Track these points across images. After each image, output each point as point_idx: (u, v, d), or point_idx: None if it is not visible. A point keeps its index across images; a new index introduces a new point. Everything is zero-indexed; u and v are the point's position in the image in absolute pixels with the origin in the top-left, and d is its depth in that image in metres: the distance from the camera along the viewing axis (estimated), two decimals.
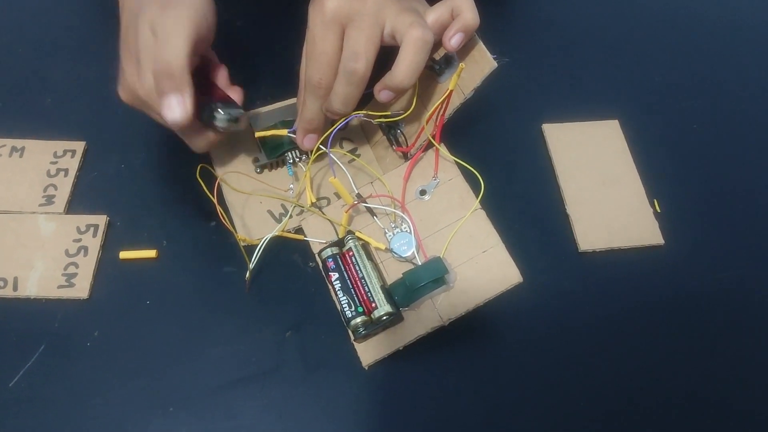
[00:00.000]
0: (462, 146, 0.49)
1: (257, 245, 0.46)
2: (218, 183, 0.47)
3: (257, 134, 0.51)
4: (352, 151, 0.52)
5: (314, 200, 0.49)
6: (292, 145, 0.51)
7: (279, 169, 0.52)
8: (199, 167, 0.48)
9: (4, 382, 0.43)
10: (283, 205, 0.50)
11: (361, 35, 0.43)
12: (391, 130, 0.51)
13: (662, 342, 0.48)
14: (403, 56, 0.43)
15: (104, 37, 0.59)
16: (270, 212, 0.50)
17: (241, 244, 0.47)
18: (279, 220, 0.49)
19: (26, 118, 0.54)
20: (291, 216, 0.49)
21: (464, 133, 0.50)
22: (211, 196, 0.46)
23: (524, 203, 0.53)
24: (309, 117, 0.47)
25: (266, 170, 0.52)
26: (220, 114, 0.45)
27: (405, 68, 0.43)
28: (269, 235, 0.46)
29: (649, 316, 0.48)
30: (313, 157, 0.49)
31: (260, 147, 0.51)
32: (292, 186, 0.51)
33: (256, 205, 0.50)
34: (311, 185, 0.50)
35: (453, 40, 0.45)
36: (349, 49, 0.43)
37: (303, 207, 0.49)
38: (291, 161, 0.51)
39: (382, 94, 0.46)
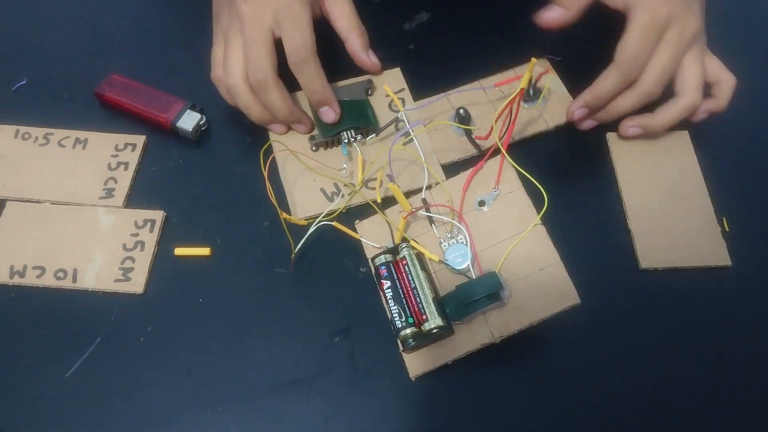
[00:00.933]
0: (522, 151, 0.48)
1: (302, 225, 0.47)
2: (270, 160, 0.48)
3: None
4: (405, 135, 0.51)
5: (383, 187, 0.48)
6: (349, 124, 0.51)
7: (334, 148, 0.52)
8: (264, 147, 0.48)
9: (62, 372, 0.44)
10: (336, 185, 0.50)
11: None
12: (463, 119, 0.51)
13: (723, 367, 0.46)
14: (674, 110, 0.49)
15: (168, 34, 0.60)
16: (323, 190, 0.50)
17: (284, 222, 0.46)
18: (331, 199, 0.50)
19: (91, 109, 0.55)
20: (343, 195, 0.49)
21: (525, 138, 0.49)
22: (263, 168, 0.46)
23: (584, 215, 0.51)
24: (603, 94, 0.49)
25: (321, 149, 0.52)
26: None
27: (668, 121, 0.50)
28: (320, 214, 0.47)
29: (712, 340, 0.46)
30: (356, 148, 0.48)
31: (317, 125, 0.52)
32: (345, 165, 0.51)
33: (309, 182, 0.50)
34: (363, 166, 0.50)
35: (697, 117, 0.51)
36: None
37: (354, 187, 0.49)
38: (346, 140, 0.51)
39: (630, 130, 0.51)
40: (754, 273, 0.49)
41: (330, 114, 0.50)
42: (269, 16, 0.47)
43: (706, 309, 0.47)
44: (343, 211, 0.49)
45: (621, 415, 0.44)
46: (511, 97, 0.44)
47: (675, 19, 0.47)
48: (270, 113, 0.50)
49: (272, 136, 0.52)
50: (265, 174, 0.46)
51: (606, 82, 0.48)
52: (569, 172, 0.53)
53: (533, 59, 0.44)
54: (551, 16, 0.50)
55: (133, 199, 0.50)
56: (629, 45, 0.47)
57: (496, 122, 0.45)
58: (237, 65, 0.48)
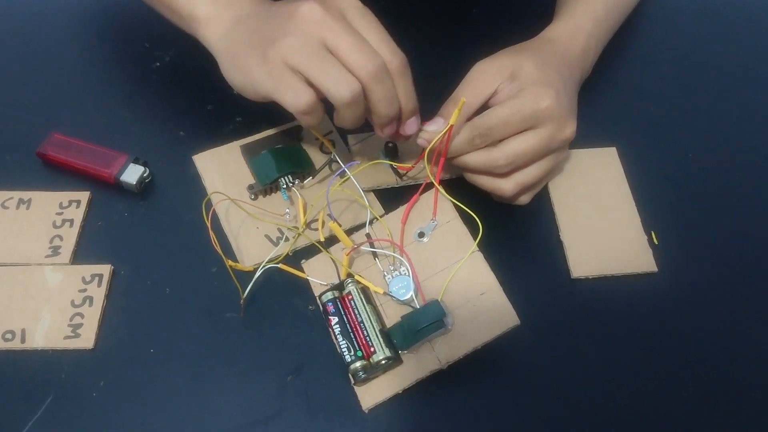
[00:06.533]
0: (455, 179, 0.50)
1: (248, 271, 0.48)
2: (212, 212, 0.49)
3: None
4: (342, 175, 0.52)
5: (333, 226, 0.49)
6: (284, 170, 0.52)
7: (272, 195, 0.54)
8: (205, 200, 0.49)
9: None
10: (279, 230, 0.52)
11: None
12: (390, 152, 0.53)
13: (652, 365, 0.48)
14: (536, 168, 0.49)
15: (107, 91, 0.61)
16: (267, 236, 0.51)
17: (230, 269, 0.48)
18: (276, 244, 0.51)
19: (34, 169, 0.55)
20: (287, 239, 0.51)
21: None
22: (206, 219, 0.47)
23: (519, 231, 0.53)
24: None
25: (260, 196, 0.53)
26: None
27: (532, 178, 0.49)
28: (267, 258, 0.48)
29: (641, 342, 0.49)
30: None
31: (254, 173, 0.53)
32: (288, 210, 0.52)
33: (253, 230, 0.51)
34: (305, 209, 0.51)
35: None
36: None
37: (298, 230, 0.51)
38: (285, 186, 0.52)
39: (419, 140, 0.48)
40: (678, 278, 0.51)
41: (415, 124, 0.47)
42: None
43: (635, 313, 0.50)
44: (290, 254, 0.50)
45: (567, 419, 0.46)
46: (439, 136, 0.46)
47: (553, 119, 0.47)
48: (390, 108, 0.44)
49: (210, 188, 0.53)
50: (208, 224, 0.47)
51: (457, 138, 0.47)
52: None
53: (463, 99, 0.46)
54: (433, 130, 0.47)
55: (80, 256, 0.51)
56: (492, 116, 0.46)
57: (426, 158, 0.47)
58: (340, 70, 0.42)
